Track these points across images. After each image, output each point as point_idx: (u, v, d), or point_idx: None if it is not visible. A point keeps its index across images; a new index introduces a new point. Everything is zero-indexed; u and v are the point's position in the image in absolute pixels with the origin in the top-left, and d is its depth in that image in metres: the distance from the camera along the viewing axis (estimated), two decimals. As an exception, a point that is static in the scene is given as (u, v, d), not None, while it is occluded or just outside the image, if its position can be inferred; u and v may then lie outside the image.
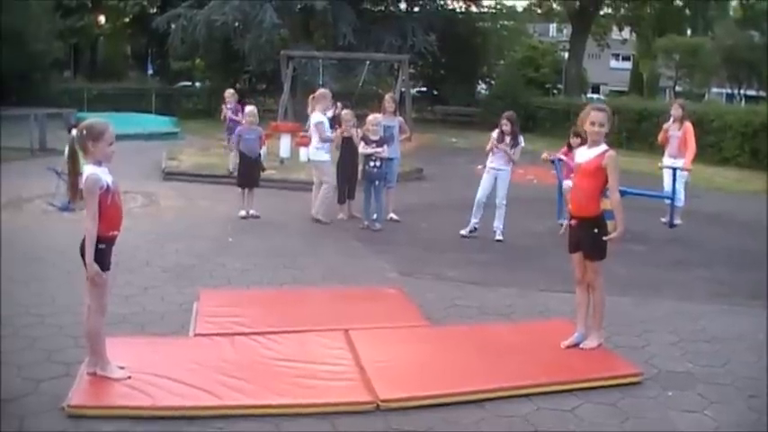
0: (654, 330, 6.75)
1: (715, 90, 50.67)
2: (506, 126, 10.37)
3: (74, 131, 5.01)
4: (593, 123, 5.84)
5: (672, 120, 11.94)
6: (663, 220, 11.82)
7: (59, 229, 9.96)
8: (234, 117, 15.62)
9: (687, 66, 44.28)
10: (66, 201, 11.22)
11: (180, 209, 12.24)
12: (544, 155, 12.49)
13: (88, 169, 4.85)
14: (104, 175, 4.90)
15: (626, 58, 59.58)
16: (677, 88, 47.60)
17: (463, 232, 10.72)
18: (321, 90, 12.35)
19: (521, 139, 10.47)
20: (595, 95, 51.91)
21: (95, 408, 4.76)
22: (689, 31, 48.31)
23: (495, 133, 10.53)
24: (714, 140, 22.92)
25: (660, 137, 12.14)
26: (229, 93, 16.68)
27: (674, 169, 11.31)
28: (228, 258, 8.94)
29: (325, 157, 11.63)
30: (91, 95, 33.43)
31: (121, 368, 5.19)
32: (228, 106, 16.24)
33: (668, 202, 11.53)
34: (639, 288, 8.24)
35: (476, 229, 10.68)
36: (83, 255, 4.94)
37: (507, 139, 10.37)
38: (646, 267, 9.28)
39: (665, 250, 10.30)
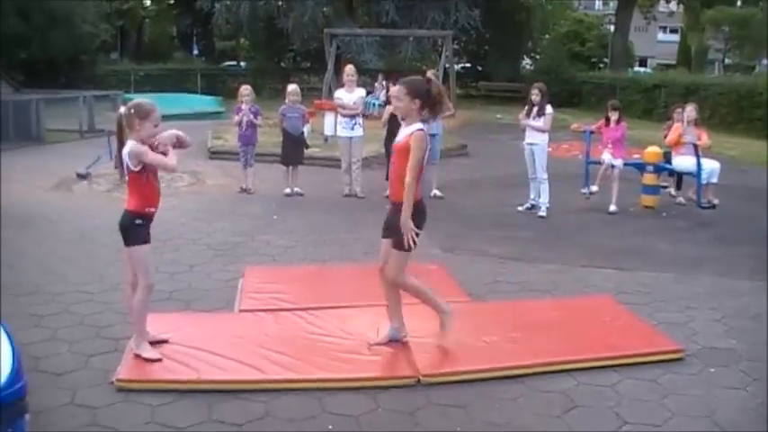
0: (696, 307, 6.71)
1: (766, 62, 49.61)
2: (536, 96, 10.37)
3: (122, 108, 5.13)
4: (394, 97, 5.49)
5: (686, 122, 11.08)
6: (681, 200, 11.65)
7: (109, 210, 10.13)
8: (255, 121, 11.98)
9: (736, 38, 43.35)
10: (86, 169, 11.50)
11: (225, 187, 12.39)
12: (574, 126, 12.42)
13: (130, 143, 4.99)
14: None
15: (673, 31, 58.59)
16: (726, 61, 46.69)
17: (520, 208, 10.81)
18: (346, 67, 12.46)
19: (548, 108, 10.41)
20: (642, 69, 51.26)
21: (142, 381, 4.89)
22: (738, 2, 47.25)
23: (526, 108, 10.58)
24: (763, 114, 22.50)
25: (671, 139, 11.17)
26: (248, 89, 12.31)
27: (695, 145, 10.95)
28: (273, 236, 9.06)
29: (343, 133, 11.85)
30: (137, 77, 33.86)
31: (164, 341, 5.35)
32: (244, 107, 12.01)
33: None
34: (682, 264, 8.19)
35: (532, 206, 10.73)
36: (122, 230, 5.11)
37: (535, 110, 10.35)
38: (689, 243, 9.21)
39: (708, 226, 10.20)
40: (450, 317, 5.50)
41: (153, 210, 5.18)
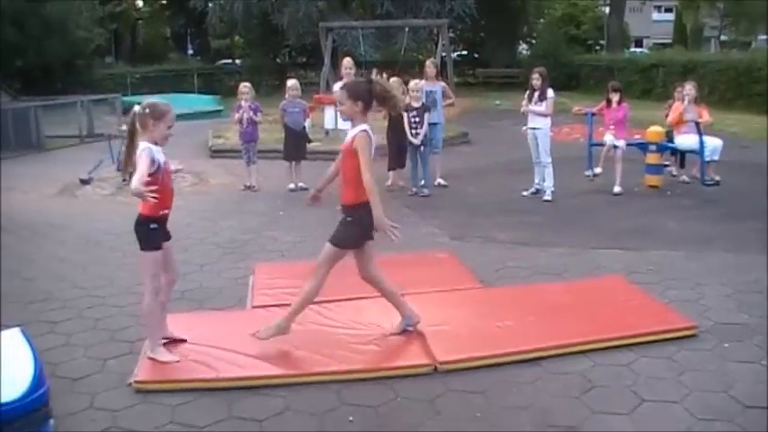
0: (707, 283, 6.71)
1: (762, 38, 49.53)
2: (537, 81, 10.39)
3: (136, 107, 5.12)
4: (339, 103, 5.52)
5: (687, 100, 11.16)
6: (684, 178, 11.64)
7: (114, 213, 10.17)
8: (255, 118, 11.88)
9: (732, 14, 43.35)
10: (88, 174, 11.51)
11: (229, 185, 12.40)
12: (576, 108, 12.43)
13: (143, 145, 4.98)
14: (158, 153, 5.03)
15: (668, 10, 58.45)
16: (722, 37, 46.60)
17: (525, 193, 10.82)
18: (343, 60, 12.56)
19: (549, 92, 10.40)
20: (638, 50, 51.17)
21: (161, 382, 4.90)
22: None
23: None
24: (762, 90, 22.47)
25: (672, 118, 11.33)
26: (247, 86, 12.22)
27: (697, 123, 11.00)
28: (280, 232, 9.07)
29: (343, 125, 11.97)
30: (134, 79, 33.85)
31: (182, 340, 5.38)
32: (244, 104, 11.90)
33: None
34: (691, 242, 8.20)
35: (537, 190, 10.74)
36: (136, 232, 5.12)
37: (536, 94, 10.35)
38: (696, 221, 9.22)
39: (714, 203, 10.20)
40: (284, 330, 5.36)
41: (167, 212, 5.19)
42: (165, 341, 5.35)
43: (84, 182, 12.27)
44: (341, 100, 5.48)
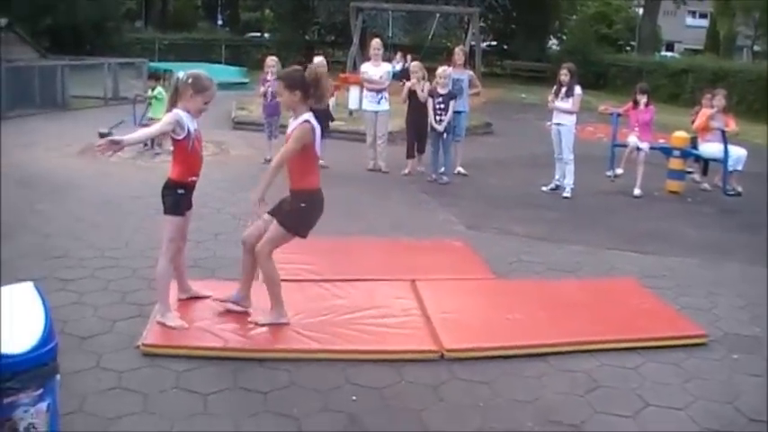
0: (721, 293, 6.67)
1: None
2: (565, 76, 10.34)
3: (181, 73, 5.16)
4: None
5: (716, 109, 11.10)
6: (706, 186, 11.53)
7: (134, 177, 10.22)
8: None
9: (766, 25, 42.83)
10: (109, 128, 11.53)
11: (249, 157, 12.42)
12: (602, 108, 12.36)
13: (176, 110, 5.04)
14: (189, 121, 5.05)
15: (703, 16, 57.80)
16: (755, 48, 46.14)
17: (544, 188, 10.77)
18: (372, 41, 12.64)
19: (577, 89, 10.36)
20: (669, 53, 50.75)
21: (168, 347, 4.92)
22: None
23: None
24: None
25: (699, 123, 11.25)
26: (274, 60, 12.17)
27: (723, 131, 10.90)
28: (297, 207, 9.05)
29: (369, 107, 11.96)
30: (162, 45, 33.91)
31: (207, 296, 5.54)
32: (270, 77, 11.73)
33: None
34: (708, 250, 8.15)
35: (557, 186, 10.69)
36: (163, 196, 5.16)
37: (563, 90, 10.30)
38: (714, 230, 9.15)
39: (734, 213, 10.11)
40: (281, 320, 5.32)
41: (195, 179, 5.23)
42: (188, 298, 5.50)
43: (104, 136, 12.24)
44: (278, 91, 5.38)
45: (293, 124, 5.21)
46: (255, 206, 5.14)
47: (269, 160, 11.73)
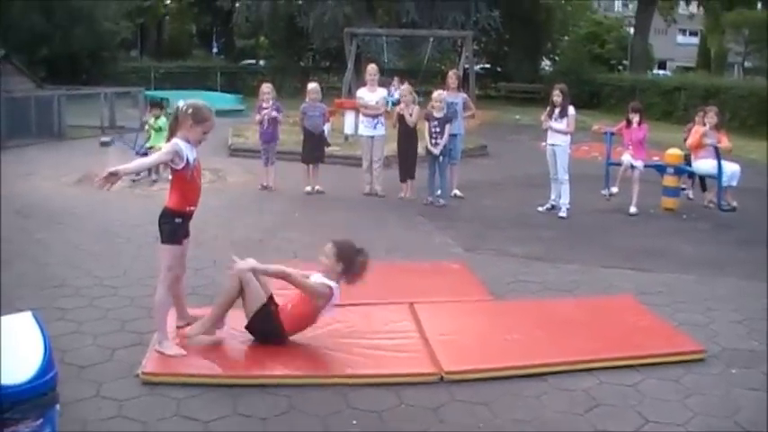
0: (718, 308, 6.69)
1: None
2: (557, 97, 10.40)
3: (181, 102, 5.20)
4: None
5: (709, 126, 11.05)
6: (707, 202, 11.50)
7: (132, 205, 10.24)
8: (277, 116, 12.05)
9: (757, 41, 43.04)
10: (110, 137, 11.54)
11: (246, 184, 12.46)
12: (595, 127, 12.41)
13: (176, 140, 5.08)
14: (188, 151, 5.09)
15: (693, 34, 58.15)
16: (746, 64, 46.36)
17: (540, 208, 10.81)
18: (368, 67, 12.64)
19: (570, 109, 10.42)
20: (661, 72, 51.02)
21: (168, 375, 4.92)
22: (759, 5, 46.87)
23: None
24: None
25: (692, 141, 11.20)
26: (269, 87, 12.36)
27: (716, 147, 10.92)
28: (295, 233, 9.09)
29: (365, 132, 11.98)
30: (158, 74, 34.09)
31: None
32: (266, 105, 12.07)
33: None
34: (704, 266, 8.17)
35: (553, 206, 10.73)
36: (160, 225, 5.17)
37: (556, 111, 10.36)
38: (710, 245, 9.18)
39: (730, 228, 10.14)
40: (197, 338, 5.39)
41: (193, 208, 5.26)
42: (187, 325, 5.51)
43: (106, 144, 12.29)
44: (326, 253, 5.49)
45: (318, 278, 5.42)
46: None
47: (266, 186, 11.83)
